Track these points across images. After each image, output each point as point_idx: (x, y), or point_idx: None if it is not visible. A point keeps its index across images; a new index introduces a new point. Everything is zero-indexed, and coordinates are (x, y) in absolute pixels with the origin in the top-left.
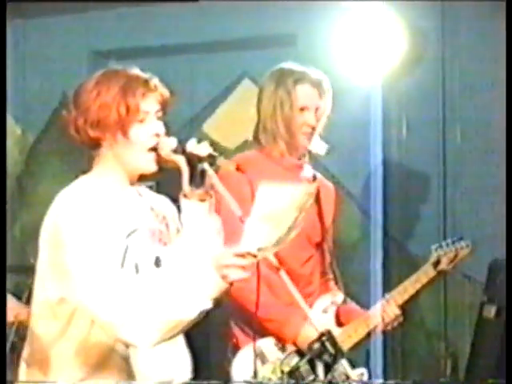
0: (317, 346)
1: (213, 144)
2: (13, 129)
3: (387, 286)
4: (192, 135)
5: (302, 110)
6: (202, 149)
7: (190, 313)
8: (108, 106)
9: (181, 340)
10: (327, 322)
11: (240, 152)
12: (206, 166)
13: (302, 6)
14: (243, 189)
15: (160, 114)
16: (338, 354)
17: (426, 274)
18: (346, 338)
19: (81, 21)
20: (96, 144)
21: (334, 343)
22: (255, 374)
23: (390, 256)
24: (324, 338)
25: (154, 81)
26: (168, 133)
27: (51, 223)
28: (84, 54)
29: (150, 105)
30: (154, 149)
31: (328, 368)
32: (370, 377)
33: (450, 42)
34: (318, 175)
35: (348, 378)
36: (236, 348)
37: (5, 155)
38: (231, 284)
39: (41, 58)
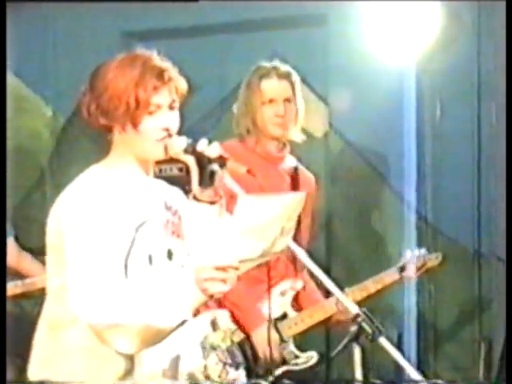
0: (354, 328)
1: None
2: (44, 110)
3: None
4: (222, 116)
5: (270, 101)
6: (212, 150)
7: (169, 322)
8: (119, 96)
9: None
10: (283, 305)
11: None
12: (215, 167)
13: None
14: (254, 192)
15: (175, 105)
16: (376, 332)
17: (390, 276)
18: (299, 322)
19: (110, 2)
20: (107, 130)
21: (371, 322)
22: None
23: (424, 239)
24: (359, 319)
25: (170, 72)
26: (183, 123)
27: (57, 213)
28: (114, 36)
29: (162, 98)
30: (163, 140)
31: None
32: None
33: (485, 22)
34: (300, 166)
35: (297, 357)
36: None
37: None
38: (211, 297)
39: (71, 40)
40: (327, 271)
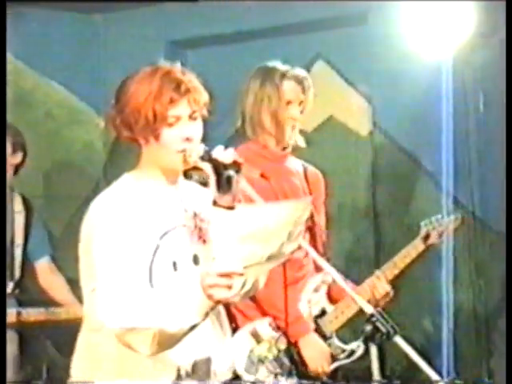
0: (368, 327)
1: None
2: (96, 121)
3: None
4: None
5: (288, 103)
6: (227, 155)
7: (180, 326)
8: (138, 110)
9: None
10: (319, 301)
11: (318, 134)
12: (231, 172)
13: None
14: (268, 196)
15: (196, 115)
16: (391, 331)
17: (415, 248)
18: (339, 314)
19: (157, 12)
20: (133, 142)
21: (386, 322)
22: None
23: (471, 234)
24: (374, 319)
25: (188, 84)
26: (205, 133)
27: (88, 219)
28: (161, 45)
29: (180, 109)
30: (183, 151)
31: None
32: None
33: None
34: (305, 164)
35: (343, 351)
36: (236, 330)
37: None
38: (218, 302)
39: (120, 50)
40: (377, 269)
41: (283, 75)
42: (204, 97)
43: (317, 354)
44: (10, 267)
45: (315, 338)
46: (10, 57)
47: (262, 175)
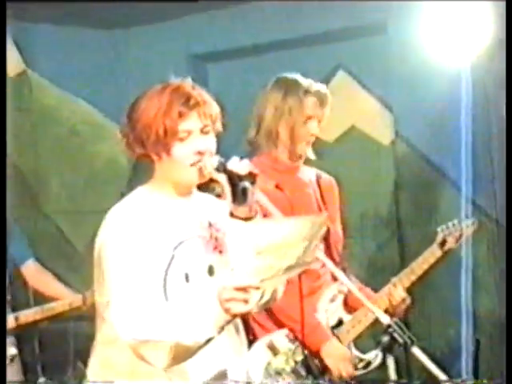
0: (386, 338)
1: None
2: (120, 137)
3: None
4: None
5: (308, 119)
6: (242, 167)
7: (196, 339)
8: (149, 126)
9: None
10: (336, 311)
11: (339, 145)
12: (246, 183)
13: None
14: (284, 207)
15: (208, 129)
16: (408, 342)
17: (432, 254)
18: (357, 324)
19: (178, 26)
20: (147, 158)
21: (403, 332)
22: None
23: (496, 241)
24: (391, 330)
25: (198, 97)
26: (219, 146)
27: (102, 235)
28: (183, 58)
29: (191, 123)
30: (196, 164)
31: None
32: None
33: None
34: (319, 172)
35: (361, 361)
36: (253, 342)
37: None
38: (235, 316)
39: (142, 64)
40: None
41: (306, 91)
42: (215, 110)
43: (340, 359)
44: None
45: (336, 343)
46: (34, 74)
47: (277, 186)
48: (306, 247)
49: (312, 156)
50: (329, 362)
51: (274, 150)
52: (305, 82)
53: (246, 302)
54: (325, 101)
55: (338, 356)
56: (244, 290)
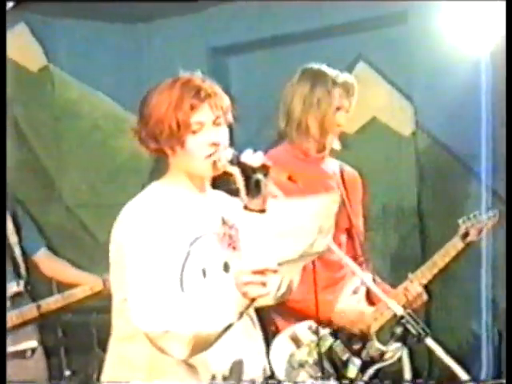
0: (399, 330)
1: None
2: None
3: None
4: None
5: (336, 110)
6: (254, 159)
7: (216, 327)
8: (162, 121)
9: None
10: (358, 302)
11: (360, 137)
12: (259, 176)
13: None
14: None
15: (220, 120)
16: (422, 333)
17: (454, 246)
18: (379, 316)
19: (198, 19)
20: (161, 153)
21: (417, 323)
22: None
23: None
24: (404, 321)
25: (208, 89)
26: (232, 137)
27: (118, 227)
28: (203, 52)
29: (203, 115)
30: (211, 156)
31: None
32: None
33: None
34: (342, 165)
35: (383, 354)
36: (276, 334)
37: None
38: (253, 300)
39: (163, 58)
40: None
41: (335, 81)
42: (225, 102)
43: (355, 318)
44: (16, 267)
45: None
46: (56, 69)
47: (290, 178)
48: (321, 227)
49: (337, 146)
50: (345, 322)
51: (305, 142)
52: (332, 72)
53: (263, 284)
54: (351, 91)
55: (352, 315)
56: (261, 272)
